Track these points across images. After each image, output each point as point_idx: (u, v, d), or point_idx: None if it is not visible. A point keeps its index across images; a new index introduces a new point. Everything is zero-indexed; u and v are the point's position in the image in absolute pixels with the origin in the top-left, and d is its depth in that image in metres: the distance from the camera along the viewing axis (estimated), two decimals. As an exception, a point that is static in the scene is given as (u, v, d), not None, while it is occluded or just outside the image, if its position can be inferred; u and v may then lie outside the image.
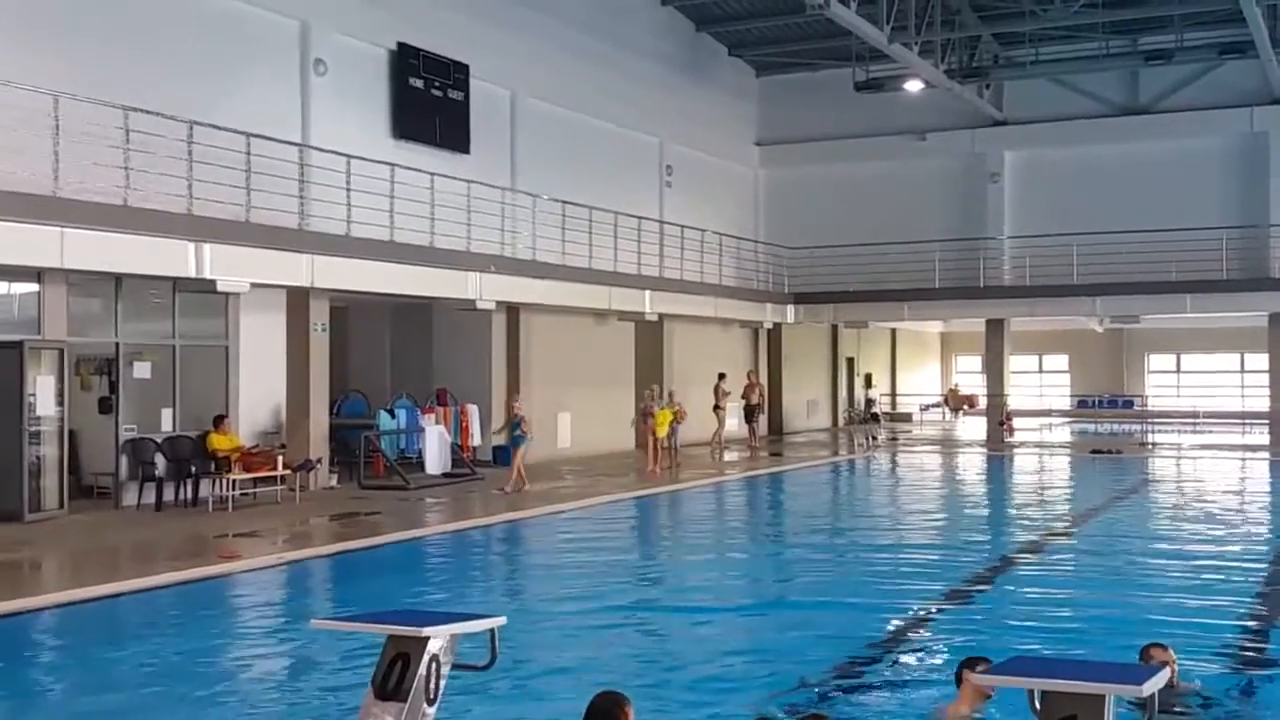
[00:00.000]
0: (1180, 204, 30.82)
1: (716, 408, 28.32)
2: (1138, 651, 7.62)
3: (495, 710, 7.94)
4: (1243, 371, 43.11)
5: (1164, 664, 6.56)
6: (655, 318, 27.90)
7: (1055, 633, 10.17)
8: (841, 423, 39.07)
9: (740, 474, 24.45)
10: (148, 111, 16.07)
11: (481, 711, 7.77)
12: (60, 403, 16.58)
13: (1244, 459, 28.46)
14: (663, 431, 23.56)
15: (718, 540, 17.32)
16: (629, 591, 12.97)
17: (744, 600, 12.49)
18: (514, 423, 20.49)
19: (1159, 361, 44.86)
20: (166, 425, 18.40)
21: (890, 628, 10.73)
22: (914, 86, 30.99)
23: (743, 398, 29.27)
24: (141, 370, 18.35)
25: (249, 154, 17.53)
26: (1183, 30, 29.61)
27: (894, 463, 28.46)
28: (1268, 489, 23.30)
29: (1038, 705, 4.81)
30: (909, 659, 9.62)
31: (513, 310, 24.82)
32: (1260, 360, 33.51)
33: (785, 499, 22.52)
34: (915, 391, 44.88)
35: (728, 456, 27.31)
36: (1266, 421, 31.48)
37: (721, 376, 28.62)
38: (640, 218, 27.19)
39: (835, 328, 37.87)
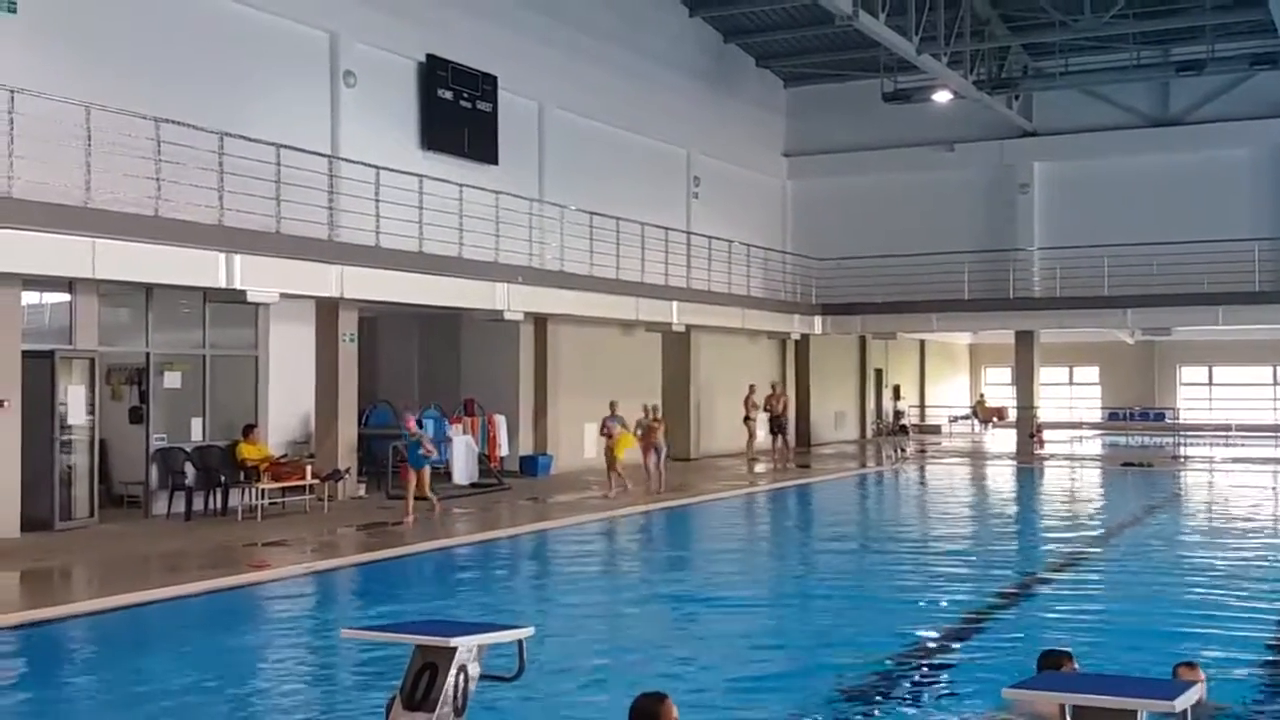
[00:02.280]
0: (1212, 215, 30.59)
1: (746, 419, 28.24)
2: (1170, 668, 7.53)
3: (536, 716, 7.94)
4: (1276, 384, 42.73)
5: (1191, 679, 6.50)
6: (682, 329, 27.88)
7: (1087, 647, 10.06)
8: (870, 434, 38.92)
9: (768, 485, 24.37)
10: (178, 123, 16.19)
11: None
12: (91, 412, 16.70)
13: (1277, 472, 28.18)
14: (620, 454, 21.28)
15: (745, 552, 17.27)
16: (657, 600, 12.94)
17: (775, 608, 12.45)
18: (412, 443, 17.94)
19: (1191, 374, 44.50)
20: (196, 435, 18.50)
21: (920, 640, 10.67)
22: (943, 97, 30.88)
23: (767, 409, 29.09)
24: (172, 380, 18.46)
25: (279, 165, 17.62)
26: (1214, 41, 29.42)
27: (923, 475, 28.32)
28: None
29: (1069, 720, 4.77)
30: (938, 671, 9.55)
31: (540, 321, 24.85)
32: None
33: (813, 512, 22.45)
34: (944, 403, 44.66)
35: (757, 469, 27.23)
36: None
37: (752, 388, 28.56)
38: (667, 228, 27.18)
39: (863, 339, 37.75)
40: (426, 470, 17.84)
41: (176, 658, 10.07)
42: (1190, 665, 7.69)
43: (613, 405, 21.89)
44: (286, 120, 19.20)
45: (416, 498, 17.69)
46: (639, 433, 21.96)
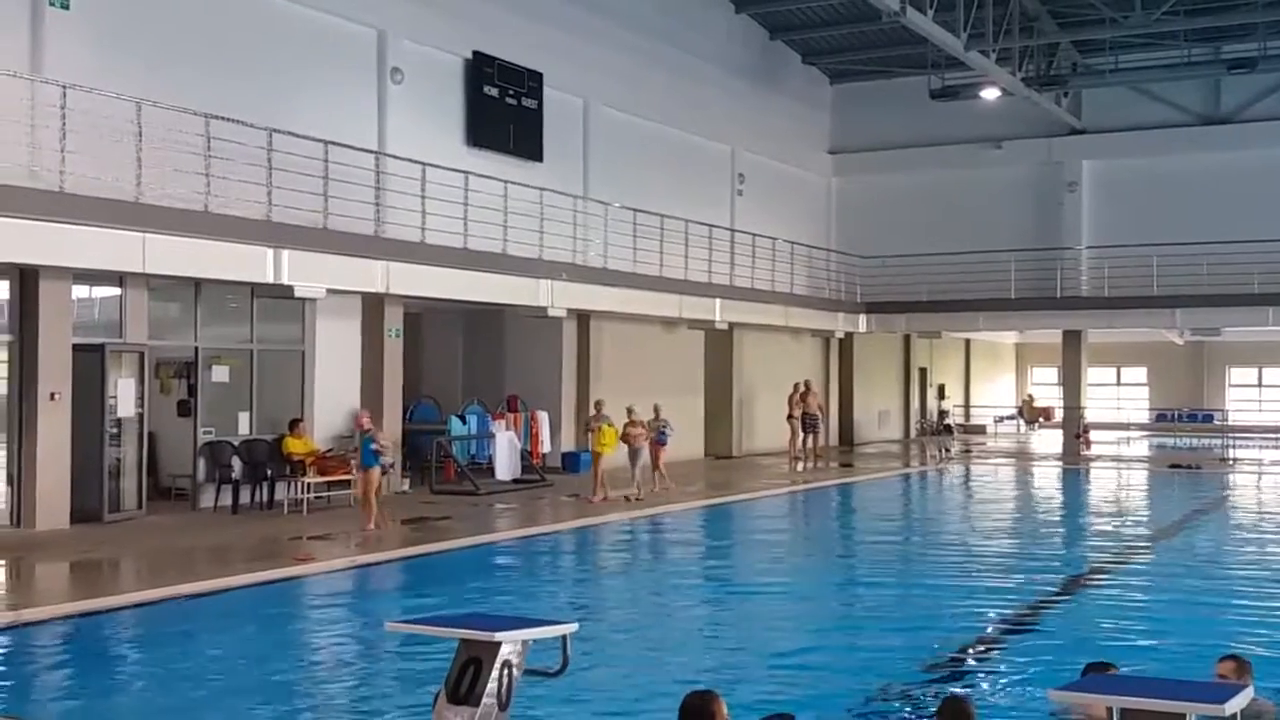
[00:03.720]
0: (1263, 214, 30.11)
1: (790, 417, 28.13)
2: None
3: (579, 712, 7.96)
4: (1327, 386, 42.14)
5: (1241, 682, 6.43)
6: (725, 326, 27.81)
7: (1134, 650, 9.97)
8: (914, 434, 38.71)
9: (811, 485, 24.23)
10: (228, 119, 16.33)
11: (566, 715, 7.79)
12: (140, 405, 16.90)
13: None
14: (608, 451, 19.98)
15: (789, 551, 17.23)
16: (700, 597, 12.94)
17: (817, 607, 12.42)
18: (364, 440, 16.54)
19: (1240, 375, 43.93)
20: (243, 428, 18.68)
21: (965, 642, 10.60)
22: (990, 94, 30.64)
23: (800, 404, 28.71)
24: (219, 374, 18.65)
25: (326, 161, 17.72)
26: (1266, 38, 29.01)
27: (967, 475, 28.13)
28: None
29: (1117, 723, 4.73)
30: (983, 670, 9.49)
31: (583, 317, 24.88)
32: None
33: (855, 511, 22.37)
34: (990, 403, 44.33)
35: (799, 467, 27.15)
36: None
37: (795, 386, 28.46)
38: (711, 226, 27.12)
39: (908, 338, 37.52)
40: (377, 471, 16.36)
41: (223, 649, 10.17)
42: (1235, 660, 7.56)
43: (598, 404, 21.05)
44: (334, 116, 19.33)
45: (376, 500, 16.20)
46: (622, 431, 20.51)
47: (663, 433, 21.23)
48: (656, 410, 21.39)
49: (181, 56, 17.44)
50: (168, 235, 15.31)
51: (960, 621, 11.41)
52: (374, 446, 16.27)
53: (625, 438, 20.44)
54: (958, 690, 8.30)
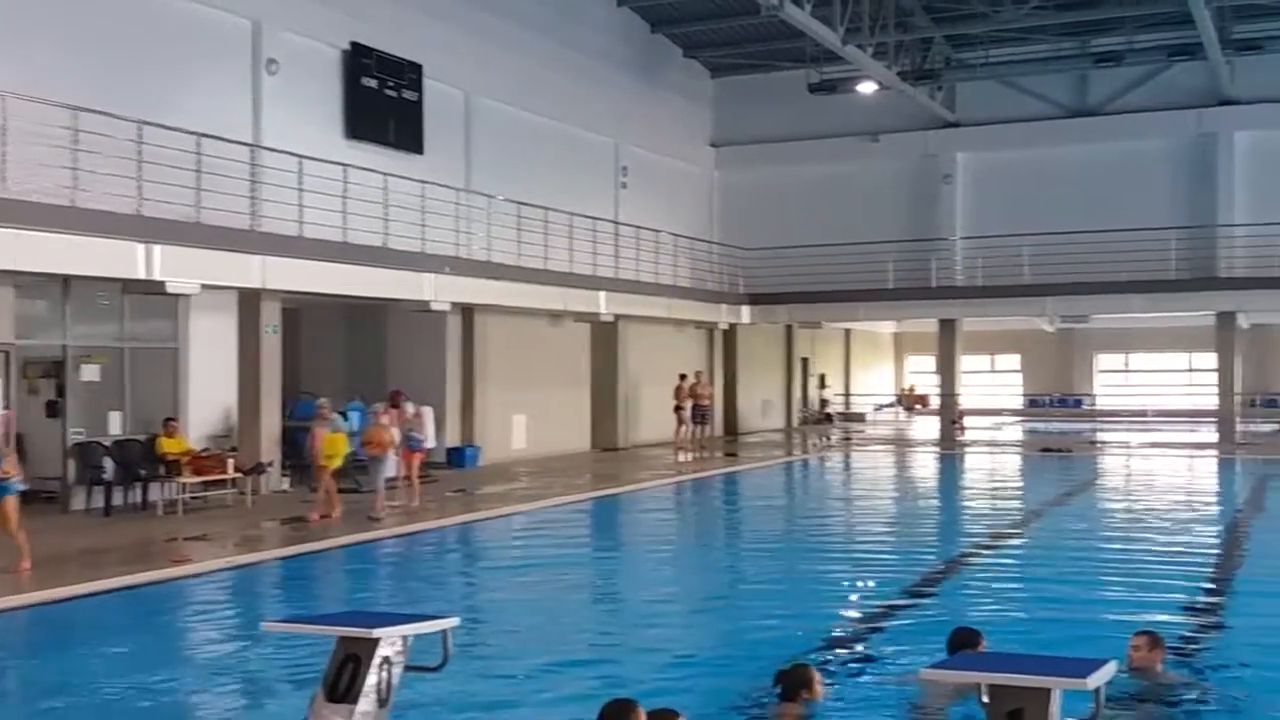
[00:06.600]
0: (1130, 204, 31.17)
1: (678, 408, 28.31)
2: (1091, 646, 7.66)
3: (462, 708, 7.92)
4: (1190, 370, 43.62)
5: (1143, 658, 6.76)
6: (610, 319, 27.88)
7: (1007, 628, 10.23)
8: (796, 423, 39.21)
9: (695, 475, 24.42)
10: (96, 111, 15.88)
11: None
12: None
13: (1192, 457, 28.82)
14: (334, 462, 17.16)
15: (674, 542, 17.35)
16: (585, 592, 12.97)
17: (701, 596, 12.53)
18: None
19: (1108, 361, 45.31)
20: (115, 429, 18.22)
21: (842, 626, 10.80)
22: (867, 88, 31.17)
23: (690, 396, 28.94)
24: (90, 373, 18.15)
25: (199, 154, 17.37)
26: (1133, 33, 29.95)
27: (847, 462, 28.59)
28: (1215, 486, 23.67)
29: (985, 699, 4.87)
30: (861, 654, 9.67)
31: (468, 311, 24.73)
32: (1208, 359, 33.93)
33: (743, 500, 22.60)
34: (869, 391, 45.11)
35: (683, 458, 27.34)
36: (1213, 420, 31.85)
37: (682, 377, 28.64)
38: (595, 219, 27.17)
39: (790, 328, 37.98)
40: (14, 500, 12.68)
41: (95, 655, 9.92)
42: (1149, 634, 7.84)
43: (322, 403, 18.43)
44: (208, 108, 18.94)
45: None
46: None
47: (413, 438, 18.76)
48: (409, 411, 19.15)
49: (48, 46, 16.94)
50: (33, 230, 14.85)
51: (838, 604, 11.61)
52: None
53: (367, 442, 17.84)
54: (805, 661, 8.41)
